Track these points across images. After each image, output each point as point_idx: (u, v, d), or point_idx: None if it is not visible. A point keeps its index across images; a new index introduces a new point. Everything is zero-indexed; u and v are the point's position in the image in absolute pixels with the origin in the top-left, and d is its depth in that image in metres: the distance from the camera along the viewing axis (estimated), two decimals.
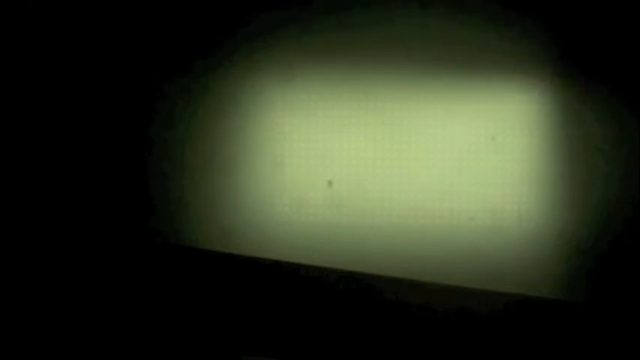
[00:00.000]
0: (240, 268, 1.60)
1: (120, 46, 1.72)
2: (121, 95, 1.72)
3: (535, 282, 1.69)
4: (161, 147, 1.72)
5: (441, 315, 1.57)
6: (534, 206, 1.71)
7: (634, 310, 1.63)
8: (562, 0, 1.74)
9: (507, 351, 1.57)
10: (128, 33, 1.72)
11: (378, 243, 1.71)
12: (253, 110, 1.73)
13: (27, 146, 1.68)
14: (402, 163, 1.72)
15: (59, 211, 1.67)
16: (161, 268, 1.60)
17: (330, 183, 1.72)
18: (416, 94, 1.73)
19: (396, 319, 1.57)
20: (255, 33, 1.73)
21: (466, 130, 1.73)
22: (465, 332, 1.57)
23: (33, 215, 1.65)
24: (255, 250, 1.68)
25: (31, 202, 1.66)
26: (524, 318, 1.59)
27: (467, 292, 1.60)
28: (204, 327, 1.58)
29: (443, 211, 1.72)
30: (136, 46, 1.72)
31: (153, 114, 1.72)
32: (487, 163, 1.72)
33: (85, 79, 1.71)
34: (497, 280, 1.67)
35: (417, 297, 1.59)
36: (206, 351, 1.58)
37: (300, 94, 1.73)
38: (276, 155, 1.72)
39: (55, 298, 1.58)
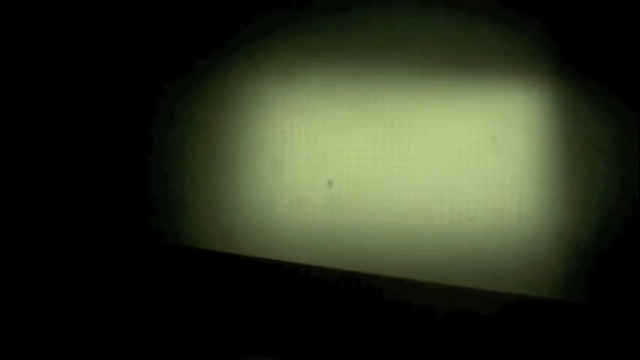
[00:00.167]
0: (240, 268, 1.60)
1: (120, 46, 1.72)
2: (121, 95, 1.72)
3: (535, 282, 1.69)
4: (161, 147, 1.71)
5: (441, 315, 1.57)
6: (534, 206, 1.71)
7: (634, 310, 1.63)
8: (562, 0, 1.74)
9: (507, 351, 1.57)
10: (128, 33, 1.72)
11: (378, 243, 1.71)
12: (253, 110, 1.73)
13: (27, 146, 1.68)
14: (402, 163, 1.72)
15: (59, 211, 1.67)
16: (161, 268, 1.60)
17: (330, 183, 1.72)
18: (416, 94, 1.73)
19: (396, 319, 1.57)
20: (255, 33, 1.73)
21: (466, 130, 1.73)
22: (465, 332, 1.57)
23: (33, 215, 1.64)
24: (255, 250, 1.68)
25: (31, 202, 1.66)
26: (524, 318, 1.59)
27: (467, 292, 1.60)
28: (204, 327, 1.58)
29: (443, 211, 1.72)
30: (136, 46, 1.72)
31: (153, 114, 1.72)
32: (487, 163, 1.72)
33: (85, 80, 1.71)
34: (497, 280, 1.67)
35: (417, 297, 1.59)
36: (206, 351, 1.58)
37: (300, 94, 1.73)
38: (276, 155, 1.72)
39: (56, 298, 1.58)
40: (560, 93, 1.73)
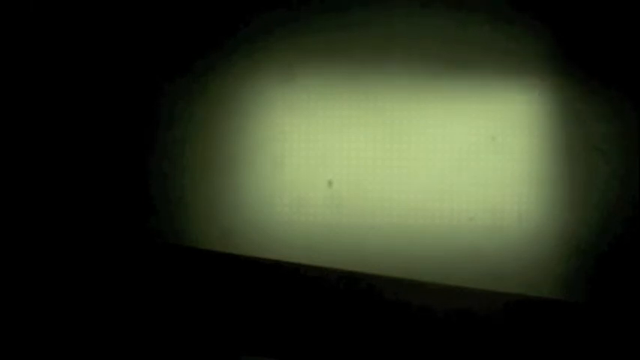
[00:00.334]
0: (240, 268, 1.60)
1: (120, 46, 1.72)
2: (121, 95, 1.72)
3: (535, 282, 1.69)
4: (161, 147, 1.71)
5: (441, 315, 1.57)
6: (534, 206, 1.71)
7: (634, 310, 1.63)
8: (562, 0, 1.74)
9: (507, 351, 1.57)
10: (128, 33, 1.72)
11: (378, 243, 1.71)
12: (253, 110, 1.73)
13: (27, 147, 1.68)
14: (402, 163, 1.72)
15: (59, 211, 1.67)
16: (161, 268, 1.60)
17: (330, 183, 1.72)
18: (416, 94, 1.73)
19: (396, 319, 1.57)
20: (255, 33, 1.73)
21: (466, 130, 1.73)
22: (465, 332, 1.57)
23: (33, 216, 1.64)
24: (255, 250, 1.68)
25: (31, 203, 1.66)
26: (524, 318, 1.59)
27: (467, 292, 1.60)
28: (204, 327, 1.58)
29: (443, 211, 1.72)
30: (136, 47, 1.72)
31: (153, 114, 1.72)
32: (487, 163, 1.72)
33: (85, 80, 1.71)
34: (497, 280, 1.67)
35: (417, 297, 1.59)
36: (206, 351, 1.58)
37: (300, 94, 1.73)
38: (276, 155, 1.72)
39: (56, 298, 1.58)
40: (560, 93, 1.73)
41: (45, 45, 1.70)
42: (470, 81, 1.73)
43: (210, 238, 1.70)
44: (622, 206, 1.71)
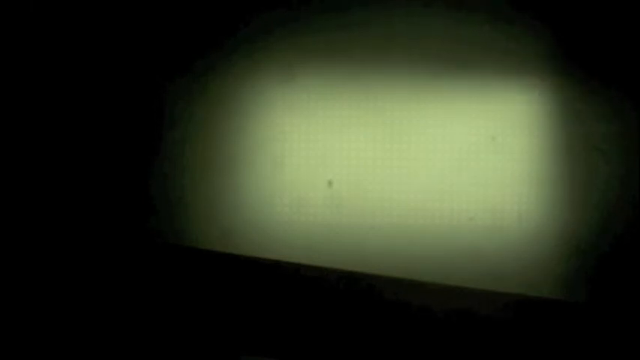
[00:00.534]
0: (240, 268, 1.60)
1: (120, 46, 1.72)
2: (121, 95, 1.71)
3: (535, 282, 1.69)
4: (161, 147, 1.71)
5: (441, 315, 1.57)
6: (534, 206, 1.71)
7: (634, 310, 1.63)
8: (562, 0, 1.74)
9: (507, 351, 1.57)
10: (128, 33, 1.72)
11: (378, 243, 1.71)
12: (253, 110, 1.73)
13: (27, 147, 1.68)
14: (402, 163, 1.72)
15: (60, 211, 1.67)
16: (161, 268, 1.60)
17: (330, 183, 1.72)
18: (416, 94, 1.73)
19: (396, 319, 1.57)
20: (255, 33, 1.73)
21: (466, 130, 1.73)
22: (465, 332, 1.57)
23: (33, 216, 1.64)
24: (255, 250, 1.68)
25: (31, 203, 1.66)
26: (524, 318, 1.59)
27: (467, 292, 1.60)
28: (204, 327, 1.58)
29: (443, 211, 1.72)
30: (136, 47, 1.72)
31: (153, 114, 1.72)
32: (487, 163, 1.72)
33: (84, 80, 1.71)
34: (497, 280, 1.67)
35: (417, 297, 1.59)
36: (206, 351, 1.58)
37: (300, 94, 1.73)
38: (276, 155, 1.72)
39: (56, 297, 1.58)
40: (560, 93, 1.73)
41: (45, 45, 1.70)
42: (470, 81, 1.73)
43: (210, 238, 1.70)
44: (622, 206, 1.71)
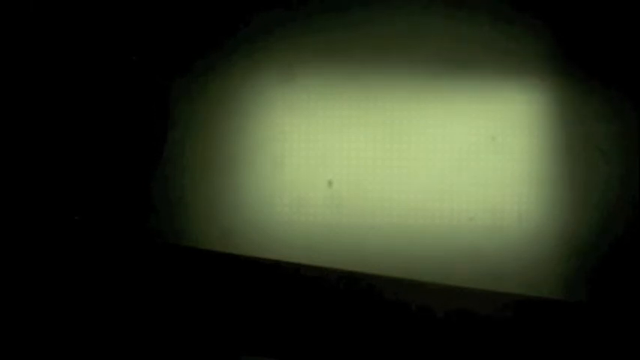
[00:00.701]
0: (240, 268, 1.60)
1: (120, 46, 1.72)
2: (120, 95, 1.71)
3: (535, 282, 1.69)
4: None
5: (441, 315, 1.57)
6: (534, 206, 1.71)
7: (634, 310, 1.63)
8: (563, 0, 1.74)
9: (507, 351, 1.57)
10: (128, 33, 1.72)
11: (378, 243, 1.71)
12: (253, 110, 1.73)
13: (26, 147, 1.68)
14: (402, 163, 1.72)
15: (59, 211, 1.67)
16: (161, 268, 1.59)
17: (330, 183, 1.72)
18: (416, 94, 1.73)
19: (396, 319, 1.57)
20: (255, 33, 1.73)
21: (466, 130, 1.73)
22: (465, 332, 1.57)
23: (33, 216, 1.65)
24: (255, 250, 1.68)
25: (31, 203, 1.66)
26: (524, 318, 1.59)
27: (467, 292, 1.60)
28: (204, 327, 1.58)
29: (443, 211, 1.72)
30: (136, 47, 1.72)
31: (153, 114, 1.72)
32: (487, 163, 1.72)
33: (84, 80, 1.71)
34: (497, 280, 1.67)
35: (417, 297, 1.59)
36: (206, 351, 1.58)
37: (300, 94, 1.73)
38: (276, 155, 1.72)
39: (55, 297, 1.58)
40: (560, 93, 1.73)
41: (45, 45, 1.70)
42: (470, 81, 1.73)
43: (210, 238, 1.70)
44: (622, 206, 1.71)
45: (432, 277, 1.65)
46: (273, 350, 1.57)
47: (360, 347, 1.57)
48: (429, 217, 1.72)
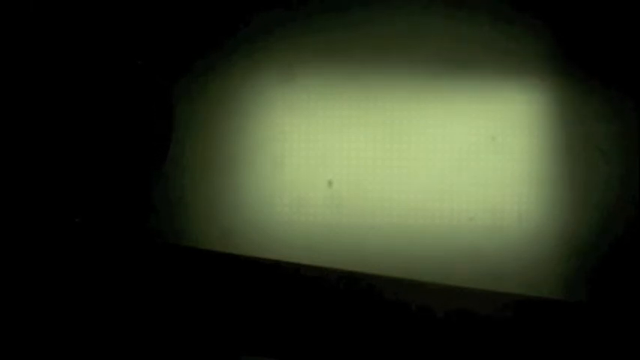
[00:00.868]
0: (240, 268, 1.60)
1: (119, 46, 1.72)
2: (120, 95, 1.71)
3: (535, 282, 1.69)
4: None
5: (441, 315, 1.57)
6: (534, 206, 1.71)
7: (634, 310, 1.63)
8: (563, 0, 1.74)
9: (507, 351, 1.57)
10: (128, 33, 1.72)
11: (378, 243, 1.71)
12: (253, 110, 1.73)
13: (26, 147, 1.68)
14: (402, 163, 1.72)
15: (59, 211, 1.67)
16: (161, 268, 1.59)
17: (330, 183, 1.72)
18: (416, 94, 1.73)
19: (396, 319, 1.57)
20: (255, 33, 1.73)
21: (466, 130, 1.73)
22: (465, 332, 1.57)
23: (33, 216, 1.65)
24: (255, 250, 1.68)
25: (30, 203, 1.66)
26: (524, 318, 1.59)
27: (467, 292, 1.60)
28: (204, 327, 1.58)
29: (443, 211, 1.72)
30: (136, 46, 1.72)
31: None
32: (487, 163, 1.72)
33: (84, 80, 1.71)
34: (497, 280, 1.67)
35: (417, 297, 1.59)
36: (206, 351, 1.58)
37: (300, 94, 1.73)
38: (276, 155, 1.72)
39: (55, 298, 1.58)
40: (560, 93, 1.73)
41: (45, 45, 1.70)
42: (470, 81, 1.73)
43: (210, 238, 1.70)
44: (622, 206, 1.71)
45: (432, 277, 1.65)
46: (273, 350, 1.57)
47: (360, 347, 1.57)
48: (429, 217, 1.72)
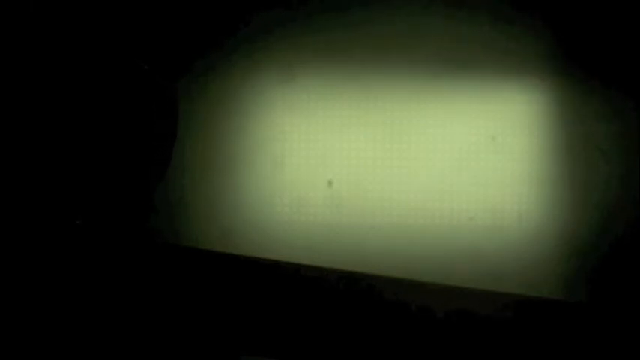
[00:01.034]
0: (240, 268, 1.60)
1: (119, 46, 1.72)
2: (120, 95, 1.71)
3: (535, 282, 1.69)
4: None
5: (441, 315, 1.57)
6: (534, 206, 1.71)
7: (634, 310, 1.63)
8: None
9: (507, 351, 1.57)
10: (128, 33, 1.72)
11: (378, 243, 1.71)
12: (253, 110, 1.73)
13: (26, 147, 1.68)
14: (402, 163, 1.72)
15: (59, 211, 1.67)
16: (161, 268, 1.59)
17: (330, 183, 1.72)
18: (416, 94, 1.73)
19: (396, 319, 1.57)
20: (255, 33, 1.73)
21: (466, 130, 1.73)
22: (465, 332, 1.57)
23: (32, 216, 1.65)
24: (255, 250, 1.68)
25: (30, 203, 1.66)
26: (524, 318, 1.59)
27: (467, 292, 1.60)
28: (204, 327, 1.58)
29: (443, 211, 1.72)
30: (136, 46, 1.72)
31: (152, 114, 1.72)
32: (487, 163, 1.72)
33: (83, 80, 1.71)
34: (497, 280, 1.67)
35: (417, 297, 1.59)
36: (206, 351, 1.58)
37: (300, 94, 1.73)
38: (276, 155, 1.72)
39: (55, 298, 1.58)
40: (560, 93, 1.73)
41: (44, 45, 1.70)
42: (470, 81, 1.73)
43: (210, 238, 1.70)
44: (622, 206, 1.71)
45: (432, 277, 1.65)
46: (273, 350, 1.57)
47: (360, 347, 1.57)
48: (429, 217, 1.72)
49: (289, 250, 1.69)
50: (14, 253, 1.60)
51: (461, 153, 1.72)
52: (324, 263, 1.63)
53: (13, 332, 1.58)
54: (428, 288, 1.61)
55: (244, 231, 1.71)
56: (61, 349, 1.58)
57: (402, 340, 1.57)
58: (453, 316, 1.57)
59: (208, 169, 1.72)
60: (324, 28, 1.74)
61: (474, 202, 1.71)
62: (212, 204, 1.71)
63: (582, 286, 1.70)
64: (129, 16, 1.72)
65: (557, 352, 1.57)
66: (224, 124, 1.73)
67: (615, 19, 1.73)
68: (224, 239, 1.70)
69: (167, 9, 1.73)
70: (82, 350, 1.57)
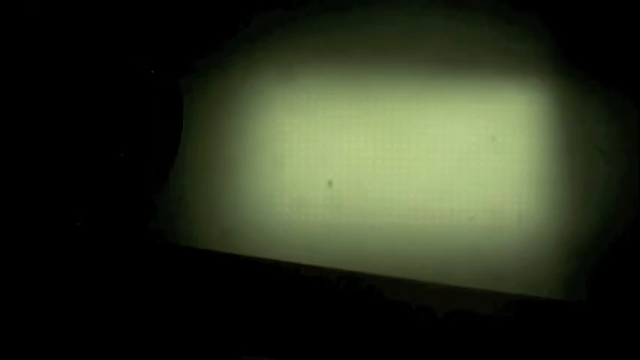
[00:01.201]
0: (240, 268, 1.60)
1: (119, 46, 1.72)
2: (120, 95, 1.71)
3: (535, 282, 1.69)
4: None
5: (441, 315, 1.57)
6: (534, 206, 1.71)
7: (634, 310, 1.63)
8: None
9: (507, 351, 1.57)
10: (127, 33, 1.72)
11: (378, 243, 1.71)
12: (253, 110, 1.73)
13: (26, 147, 1.68)
14: (402, 163, 1.72)
15: (58, 211, 1.67)
16: (161, 268, 1.60)
17: (330, 183, 1.72)
18: (416, 94, 1.73)
19: (396, 319, 1.57)
20: (255, 33, 1.73)
21: (466, 130, 1.73)
22: (465, 332, 1.57)
23: (32, 216, 1.65)
24: (255, 250, 1.68)
25: (30, 203, 1.66)
26: (524, 318, 1.59)
27: (467, 292, 1.60)
28: (204, 327, 1.58)
29: (443, 211, 1.72)
30: (136, 46, 1.72)
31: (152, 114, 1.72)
32: (487, 163, 1.72)
33: (83, 80, 1.71)
34: (497, 280, 1.67)
35: (417, 297, 1.59)
36: (206, 351, 1.58)
37: (300, 94, 1.73)
38: (276, 155, 1.72)
39: (55, 298, 1.58)
40: (560, 93, 1.73)
41: (44, 45, 1.70)
42: (470, 81, 1.73)
43: (210, 238, 1.70)
44: (622, 206, 1.71)
45: (432, 277, 1.65)
46: (273, 350, 1.57)
47: (360, 347, 1.57)
48: (429, 217, 1.72)
49: (289, 250, 1.69)
50: (15, 254, 1.60)
51: (461, 153, 1.72)
52: (324, 263, 1.63)
53: (13, 333, 1.58)
54: (428, 288, 1.61)
55: (244, 231, 1.71)
56: (61, 350, 1.58)
57: (402, 340, 1.57)
58: (453, 316, 1.57)
59: (208, 169, 1.72)
60: (324, 28, 1.74)
61: (474, 202, 1.71)
62: (212, 204, 1.71)
63: (582, 286, 1.70)
64: (129, 16, 1.72)
65: (557, 352, 1.57)
66: (224, 124, 1.73)
67: (615, 19, 1.73)
68: (224, 239, 1.70)
69: (167, 9, 1.73)
70: (83, 350, 1.58)
